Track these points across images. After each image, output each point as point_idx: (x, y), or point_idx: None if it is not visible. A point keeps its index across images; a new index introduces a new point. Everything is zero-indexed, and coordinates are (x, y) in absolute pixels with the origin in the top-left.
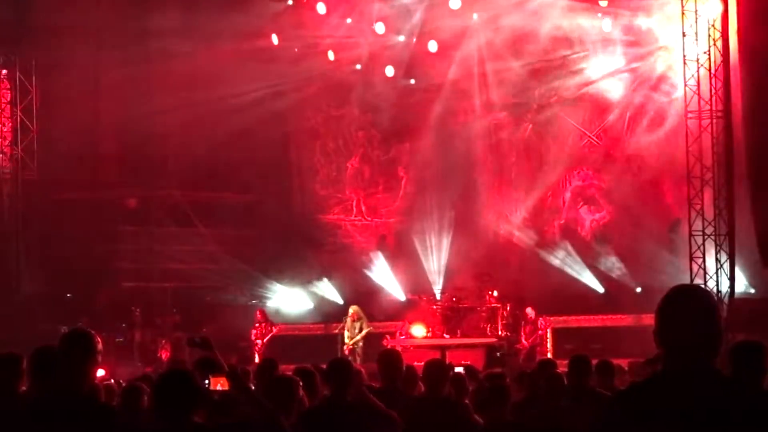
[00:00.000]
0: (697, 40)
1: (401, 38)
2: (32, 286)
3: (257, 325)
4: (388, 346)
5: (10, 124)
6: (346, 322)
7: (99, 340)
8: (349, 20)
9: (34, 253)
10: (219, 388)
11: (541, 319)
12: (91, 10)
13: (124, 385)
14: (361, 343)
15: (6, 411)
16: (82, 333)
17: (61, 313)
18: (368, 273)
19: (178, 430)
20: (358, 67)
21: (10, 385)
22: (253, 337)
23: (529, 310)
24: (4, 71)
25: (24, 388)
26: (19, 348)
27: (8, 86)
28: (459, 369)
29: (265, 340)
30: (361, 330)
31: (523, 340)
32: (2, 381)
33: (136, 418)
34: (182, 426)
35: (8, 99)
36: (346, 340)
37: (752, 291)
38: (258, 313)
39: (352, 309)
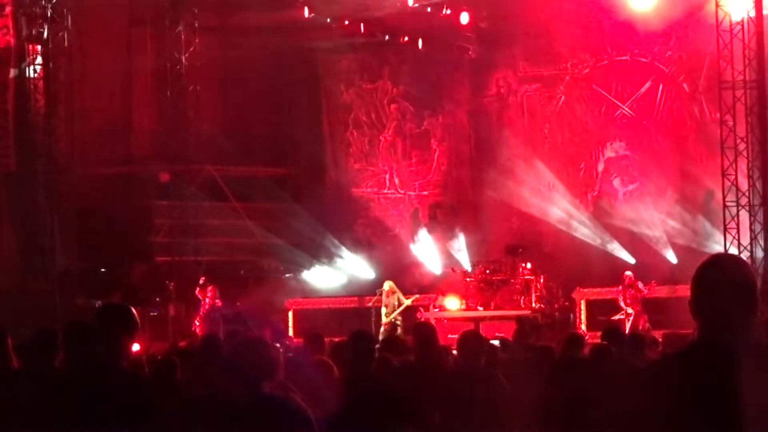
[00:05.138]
0: (729, 10)
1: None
2: (66, 261)
3: (204, 300)
4: (422, 319)
5: (44, 99)
6: (381, 297)
7: (136, 313)
8: None
9: (68, 228)
10: None
11: (640, 282)
12: None
13: (159, 358)
14: (399, 317)
15: (43, 385)
16: (119, 306)
17: (96, 288)
18: (402, 246)
19: (250, 400)
20: (387, 38)
21: (46, 359)
22: (201, 314)
23: (628, 273)
24: (38, 46)
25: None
26: (54, 322)
27: (41, 62)
28: (494, 342)
29: (202, 317)
30: (400, 303)
31: (624, 306)
32: (38, 355)
33: (169, 391)
34: (254, 395)
35: (41, 74)
36: (384, 317)
37: None
38: (205, 289)
39: (387, 285)
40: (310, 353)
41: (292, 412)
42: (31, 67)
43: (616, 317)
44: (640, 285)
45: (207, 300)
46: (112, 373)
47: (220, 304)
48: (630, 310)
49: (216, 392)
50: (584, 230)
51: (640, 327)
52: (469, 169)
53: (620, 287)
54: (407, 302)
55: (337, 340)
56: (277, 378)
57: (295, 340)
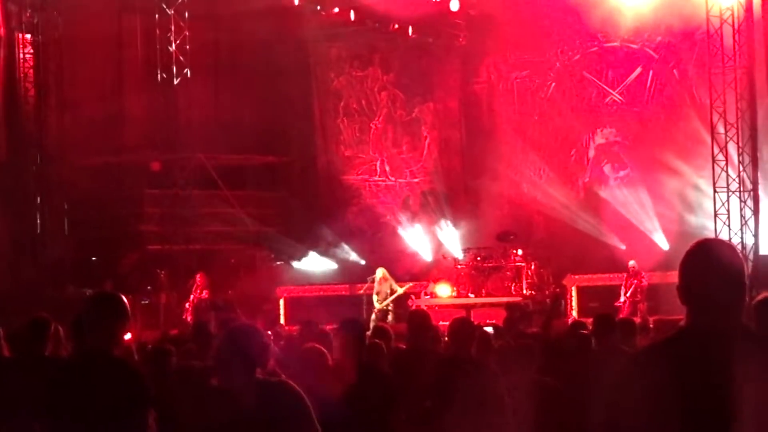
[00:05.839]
0: None
1: None
2: (57, 250)
3: (194, 289)
4: (414, 307)
5: (34, 88)
6: (374, 284)
7: (127, 302)
8: None
9: (58, 217)
10: None
11: (643, 272)
12: None
13: (150, 347)
14: (391, 305)
15: (34, 373)
16: (110, 295)
17: (87, 277)
18: (393, 233)
19: (244, 387)
20: (377, 25)
21: (36, 348)
22: (192, 300)
23: (632, 263)
24: (27, 35)
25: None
26: (45, 312)
27: (31, 51)
28: (488, 329)
29: (192, 305)
30: (393, 291)
31: (622, 295)
32: (29, 344)
33: (164, 379)
34: (248, 382)
35: (31, 63)
36: (376, 304)
37: None
38: (198, 276)
39: (381, 272)
40: (304, 340)
41: (288, 398)
42: (21, 56)
43: (617, 304)
44: (643, 274)
45: (196, 288)
46: (103, 362)
47: (207, 293)
48: (623, 298)
49: (209, 379)
50: (575, 217)
51: (639, 316)
52: (460, 156)
53: (625, 275)
54: (400, 291)
55: (328, 327)
56: (269, 365)
57: (287, 327)
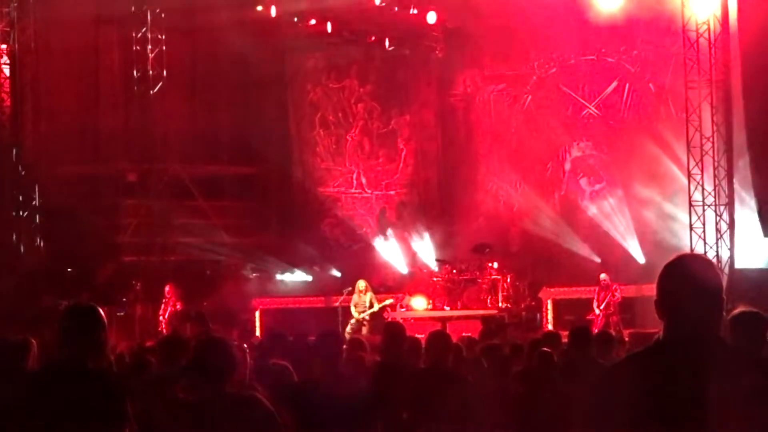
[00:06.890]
0: (695, 10)
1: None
2: (32, 261)
3: (165, 300)
4: (389, 319)
5: (10, 98)
6: (353, 295)
7: (103, 313)
8: None
9: (34, 227)
10: None
11: (615, 285)
12: None
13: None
14: (368, 317)
15: (13, 387)
16: (86, 307)
17: (62, 288)
18: (368, 246)
19: (214, 400)
20: (354, 37)
21: (18, 367)
22: (160, 313)
23: (603, 276)
24: (3, 45)
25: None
26: (21, 323)
27: (7, 61)
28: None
29: (167, 316)
30: (371, 304)
31: (596, 309)
32: (11, 364)
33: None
34: (217, 396)
35: (7, 73)
36: (355, 314)
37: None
38: (168, 288)
39: (362, 284)
40: (272, 353)
41: (255, 411)
42: None
43: (590, 317)
44: (615, 287)
45: (166, 300)
46: (78, 374)
47: (180, 305)
48: (597, 311)
49: (175, 388)
50: (551, 230)
51: (612, 329)
52: (436, 168)
53: (596, 288)
54: (377, 307)
55: (304, 339)
56: (242, 377)
57: (262, 339)
